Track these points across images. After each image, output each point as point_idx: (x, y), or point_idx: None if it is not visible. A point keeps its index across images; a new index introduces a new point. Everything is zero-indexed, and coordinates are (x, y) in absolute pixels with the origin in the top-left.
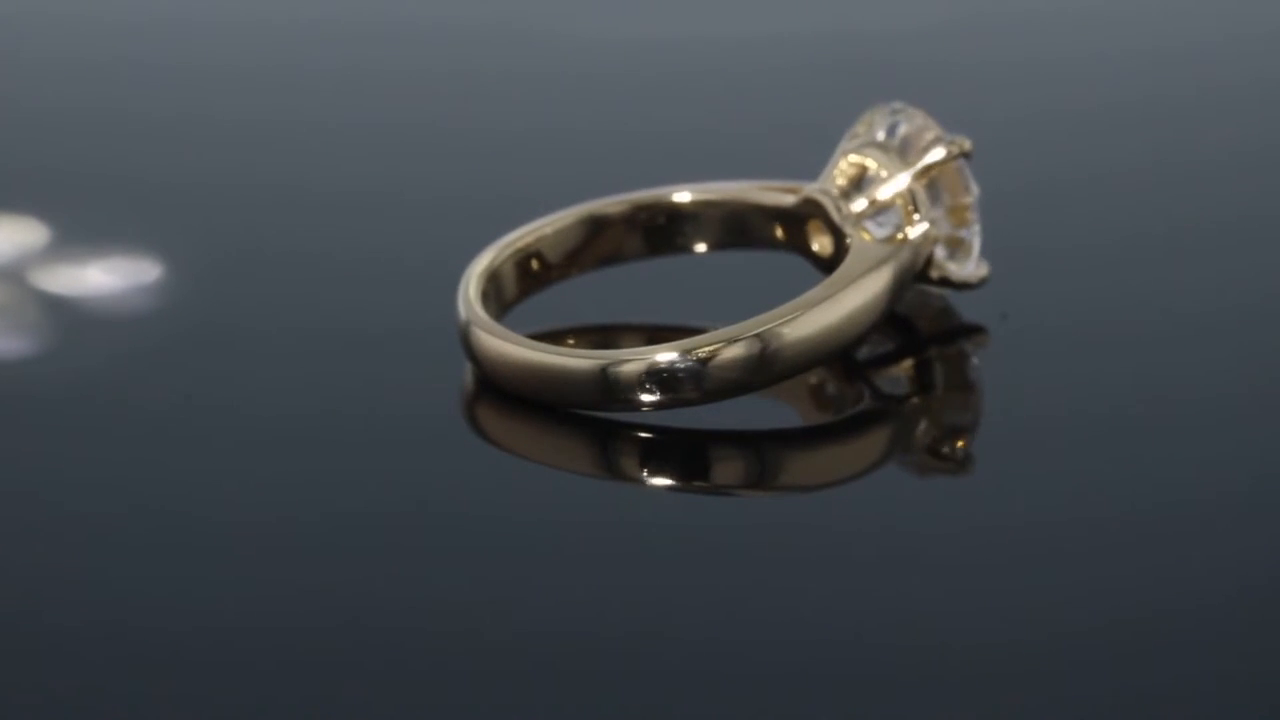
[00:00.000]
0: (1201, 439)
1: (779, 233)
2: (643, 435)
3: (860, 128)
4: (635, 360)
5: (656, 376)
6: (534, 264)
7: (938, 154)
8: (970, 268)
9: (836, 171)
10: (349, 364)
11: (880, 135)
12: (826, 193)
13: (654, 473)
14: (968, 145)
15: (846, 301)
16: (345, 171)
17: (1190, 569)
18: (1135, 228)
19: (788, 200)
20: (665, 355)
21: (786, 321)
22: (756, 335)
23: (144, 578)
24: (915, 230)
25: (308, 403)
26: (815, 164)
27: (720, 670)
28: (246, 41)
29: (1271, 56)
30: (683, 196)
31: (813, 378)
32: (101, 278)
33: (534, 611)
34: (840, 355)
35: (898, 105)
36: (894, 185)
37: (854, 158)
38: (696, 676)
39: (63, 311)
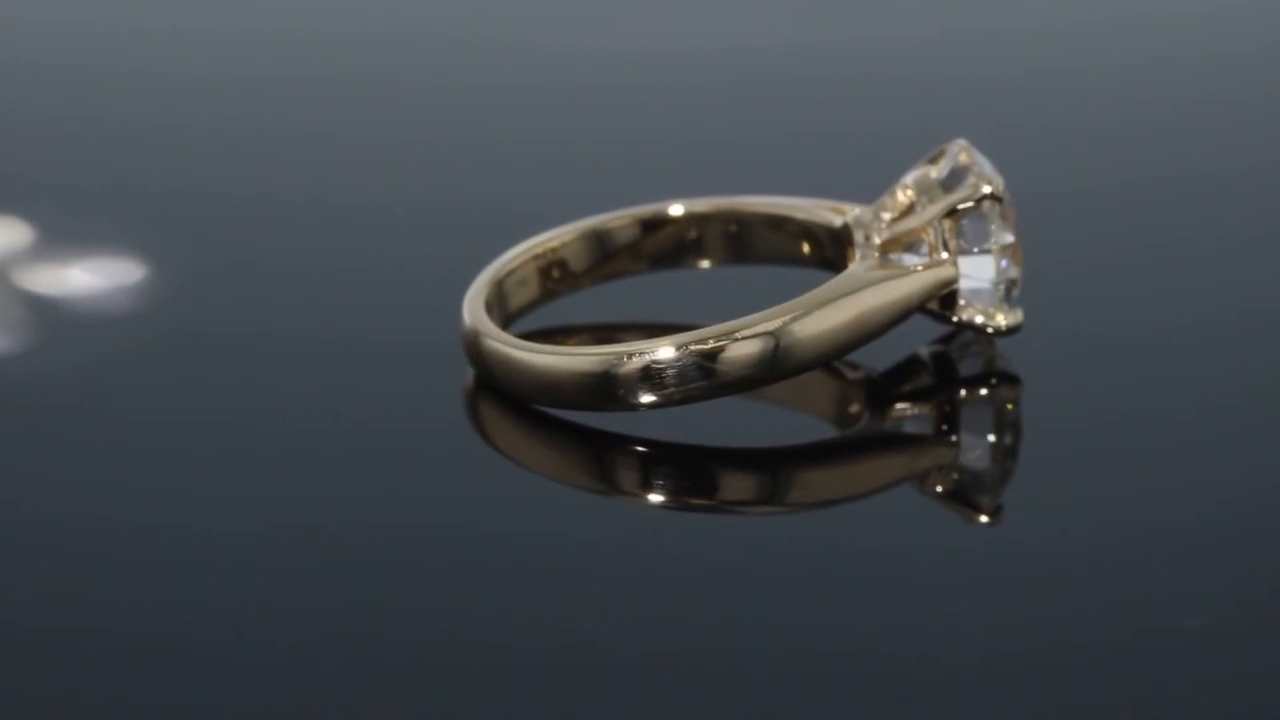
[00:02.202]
0: (1210, 451)
1: (806, 249)
2: (644, 448)
3: (926, 161)
4: (635, 356)
5: (657, 372)
6: (554, 271)
7: (961, 195)
8: (998, 314)
9: (888, 200)
10: (346, 371)
11: (934, 172)
12: (860, 220)
13: (658, 485)
14: (994, 189)
15: (796, 322)
16: (344, 180)
17: (1217, 579)
18: (1146, 238)
19: (834, 221)
20: (665, 351)
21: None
22: (763, 333)
23: (133, 584)
24: (931, 266)
25: (305, 410)
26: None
27: (718, 682)
28: (248, 49)
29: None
30: (741, 209)
31: (853, 406)
32: (103, 280)
33: (530, 621)
34: (780, 377)
35: (961, 143)
36: (917, 221)
37: (905, 190)
38: (693, 687)
39: (68, 309)
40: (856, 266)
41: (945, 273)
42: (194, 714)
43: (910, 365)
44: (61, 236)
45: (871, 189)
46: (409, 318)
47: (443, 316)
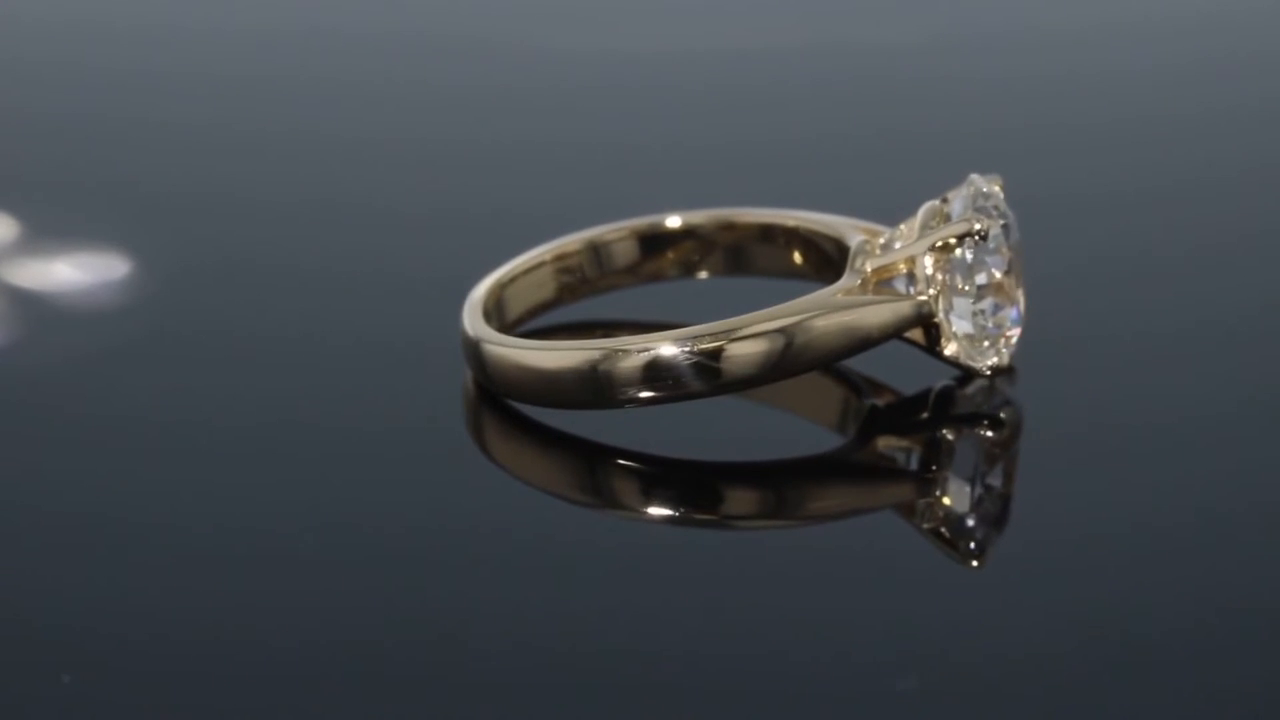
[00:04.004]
0: (1210, 455)
1: (798, 260)
2: (642, 462)
3: (951, 192)
4: (633, 352)
5: (656, 368)
6: (554, 281)
7: (947, 231)
8: (981, 354)
9: (902, 227)
10: (345, 373)
11: (944, 204)
12: (863, 245)
13: (650, 496)
14: (983, 228)
15: (722, 340)
16: (344, 181)
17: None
18: (1147, 244)
19: (850, 240)
20: (666, 348)
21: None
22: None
23: (128, 584)
24: (901, 298)
25: (299, 412)
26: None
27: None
28: (248, 49)
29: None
30: (738, 219)
31: (845, 429)
32: (105, 277)
33: (525, 624)
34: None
35: (975, 177)
36: (907, 251)
37: (919, 217)
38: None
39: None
40: (829, 288)
41: (907, 306)
42: (191, 714)
43: (919, 397)
44: (56, 234)
45: (878, 195)
46: (409, 322)
47: (443, 323)
